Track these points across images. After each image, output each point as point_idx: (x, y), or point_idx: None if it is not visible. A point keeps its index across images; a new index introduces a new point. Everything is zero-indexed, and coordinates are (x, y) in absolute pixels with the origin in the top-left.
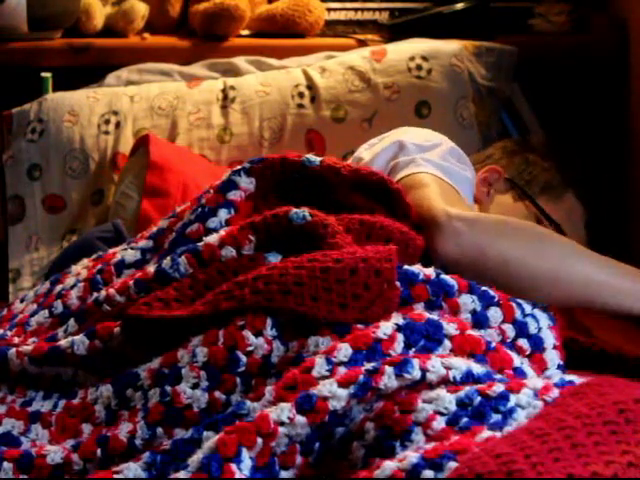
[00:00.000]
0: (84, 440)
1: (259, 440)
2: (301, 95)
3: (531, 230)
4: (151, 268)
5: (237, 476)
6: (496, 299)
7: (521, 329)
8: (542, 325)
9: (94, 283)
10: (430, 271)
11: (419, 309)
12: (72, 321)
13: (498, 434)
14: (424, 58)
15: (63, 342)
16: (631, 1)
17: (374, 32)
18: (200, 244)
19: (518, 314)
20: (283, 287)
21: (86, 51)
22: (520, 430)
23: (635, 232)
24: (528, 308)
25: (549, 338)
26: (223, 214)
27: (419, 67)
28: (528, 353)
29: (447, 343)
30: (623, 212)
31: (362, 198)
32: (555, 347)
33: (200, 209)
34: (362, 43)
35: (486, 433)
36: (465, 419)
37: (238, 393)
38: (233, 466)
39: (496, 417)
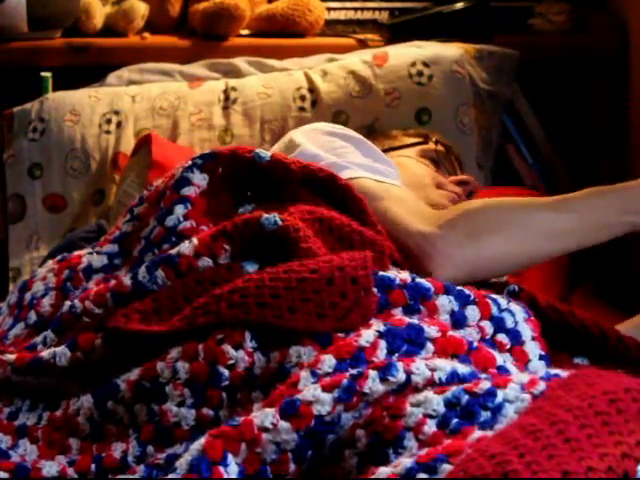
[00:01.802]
0: (77, 458)
1: (243, 446)
2: (302, 98)
3: (498, 215)
4: (127, 280)
5: (226, 477)
6: (472, 297)
7: (499, 325)
8: (518, 319)
9: (65, 291)
10: (405, 275)
11: (397, 314)
12: (50, 333)
13: (489, 433)
14: (425, 64)
15: (45, 353)
16: (631, 1)
17: (374, 32)
18: (174, 252)
19: (494, 310)
20: (260, 300)
21: (86, 51)
22: (512, 427)
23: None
24: (503, 303)
25: (526, 330)
26: (179, 210)
27: (420, 73)
28: (508, 347)
29: (430, 346)
30: None
31: (310, 195)
32: (534, 338)
33: (159, 212)
34: (362, 43)
35: (477, 433)
36: (455, 420)
37: (225, 408)
38: (221, 468)
39: (485, 415)
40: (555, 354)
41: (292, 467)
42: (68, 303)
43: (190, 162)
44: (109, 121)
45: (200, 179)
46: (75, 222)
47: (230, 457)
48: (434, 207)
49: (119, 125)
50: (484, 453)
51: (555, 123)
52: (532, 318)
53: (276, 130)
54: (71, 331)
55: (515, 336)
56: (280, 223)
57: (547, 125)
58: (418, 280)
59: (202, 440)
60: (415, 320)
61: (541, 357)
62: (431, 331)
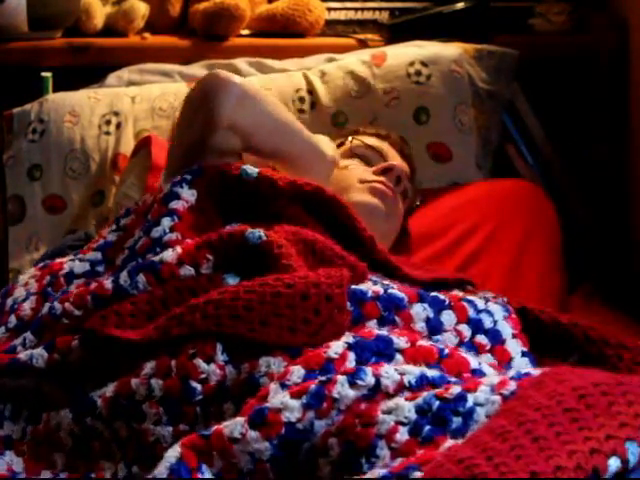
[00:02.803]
0: (66, 476)
1: (215, 456)
2: (302, 100)
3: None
4: (108, 283)
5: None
6: (447, 302)
7: (477, 326)
8: (497, 318)
9: (46, 295)
10: (378, 287)
11: (372, 326)
12: (29, 334)
13: (461, 441)
14: (424, 64)
15: (22, 355)
16: (631, 1)
17: (374, 32)
18: (157, 259)
19: (471, 312)
20: (233, 312)
21: (86, 51)
22: (482, 430)
23: (637, 230)
24: (481, 304)
25: (506, 329)
26: (166, 222)
27: (418, 73)
28: (488, 348)
29: (398, 357)
30: (624, 209)
31: (298, 209)
32: (514, 336)
33: (147, 223)
34: (362, 43)
35: (449, 442)
36: (427, 427)
37: (201, 423)
38: (199, 474)
39: (457, 421)
40: (547, 360)
41: (271, 477)
42: (48, 305)
43: (179, 177)
44: (109, 122)
45: (189, 194)
46: (74, 223)
47: (204, 467)
48: (363, 207)
49: (119, 126)
50: (453, 458)
51: (555, 123)
52: (513, 316)
53: None
54: (50, 332)
55: (495, 336)
56: (264, 238)
57: (547, 125)
58: (391, 291)
59: (177, 448)
60: (384, 332)
61: (524, 354)
62: (400, 342)
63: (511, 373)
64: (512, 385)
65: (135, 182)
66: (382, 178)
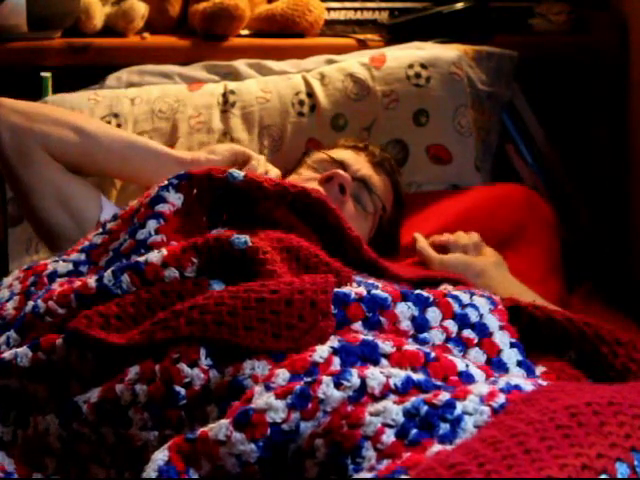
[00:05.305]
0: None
1: (203, 460)
2: (301, 103)
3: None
4: (92, 282)
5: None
6: (431, 299)
7: (463, 321)
8: (483, 311)
9: (29, 294)
10: (361, 289)
11: (357, 328)
12: (13, 333)
13: (449, 447)
14: (423, 66)
15: (6, 354)
16: (631, 1)
17: (374, 32)
18: (142, 260)
19: (456, 307)
20: (217, 317)
21: (86, 51)
22: (472, 439)
23: (637, 230)
24: (465, 298)
25: (493, 321)
26: (152, 224)
27: (418, 75)
28: (476, 342)
29: (384, 362)
30: (624, 209)
31: (285, 212)
32: (502, 327)
33: (132, 226)
34: (362, 43)
35: (437, 447)
36: (414, 431)
37: (186, 427)
38: (187, 476)
39: (444, 427)
40: (541, 355)
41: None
42: (31, 303)
43: (166, 182)
44: (108, 124)
45: (175, 198)
46: None
47: (192, 471)
48: None
49: (118, 128)
50: (443, 463)
51: (555, 123)
52: (499, 307)
53: (275, 136)
54: (34, 331)
55: (481, 329)
56: (250, 244)
57: (547, 125)
58: (374, 292)
59: (166, 452)
60: (370, 337)
61: (512, 345)
62: (385, 347)
63: (500, 384)
64: (501, 398)
65: (135, 191)
66: (319, 187)
